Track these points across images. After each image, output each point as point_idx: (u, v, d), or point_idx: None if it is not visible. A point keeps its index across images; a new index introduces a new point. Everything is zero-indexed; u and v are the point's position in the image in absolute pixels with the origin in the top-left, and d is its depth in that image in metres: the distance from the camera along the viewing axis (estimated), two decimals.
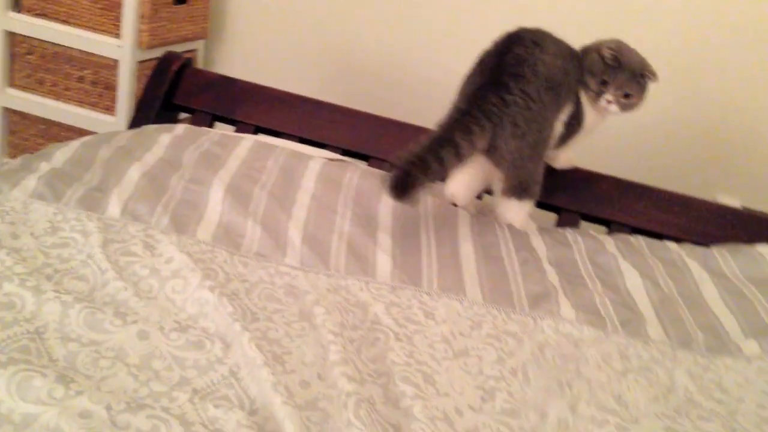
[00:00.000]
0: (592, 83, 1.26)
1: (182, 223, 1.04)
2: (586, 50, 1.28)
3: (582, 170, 1.43)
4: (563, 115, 1.26)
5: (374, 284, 0.99)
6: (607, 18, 1.82)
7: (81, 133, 1.89)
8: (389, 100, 2.01)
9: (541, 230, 1.26)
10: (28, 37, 1.90)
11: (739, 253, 1.23)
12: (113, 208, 1.03)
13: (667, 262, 1.20)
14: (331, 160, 1.35)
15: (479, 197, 1.38)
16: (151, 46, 1.86)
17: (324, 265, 1.02)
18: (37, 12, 1.89)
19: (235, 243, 1.02)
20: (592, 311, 1.02)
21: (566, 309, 1.01)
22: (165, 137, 1.28)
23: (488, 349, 0.91)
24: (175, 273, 0.91)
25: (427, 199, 1.26)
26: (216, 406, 0.71)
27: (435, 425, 0.76)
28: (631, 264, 1.16)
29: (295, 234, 1.07)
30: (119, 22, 1.83)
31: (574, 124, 1.28)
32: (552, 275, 1.10)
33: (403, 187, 1.07)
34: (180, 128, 1.34)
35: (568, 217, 1.41)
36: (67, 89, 1.93)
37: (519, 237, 1.19)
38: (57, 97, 1.94)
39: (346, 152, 1.47)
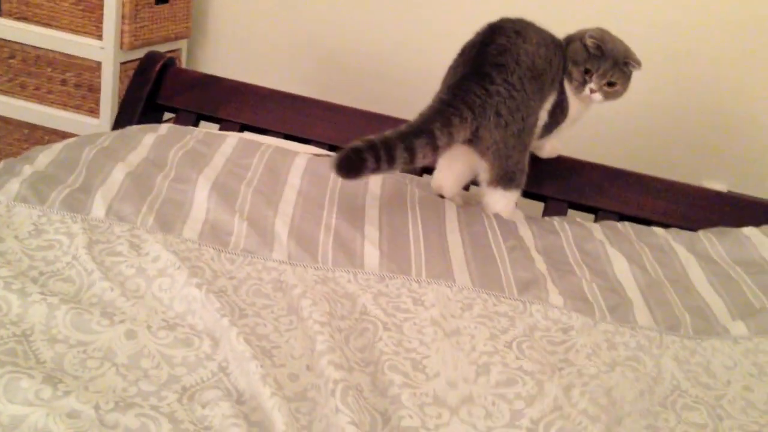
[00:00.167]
0: (576, 72, 1.26)
1: (168, 222, 1.03)
2: (569, 39, 1.28)
3: (568, 158, 1.43)
4: (547, 104, 1.26)
5: (362, 275, 0.99)
6: (598, 3, 1.83)
7: (65, 136, 1.88)
8: (373, 94, 2.00)
9: (529, 219, 1.26)
10: (9, 41, 1.89)
11: (726, 236, 1.24)
12: (98, 209, 1.03)
13: (654, 247, 1.20)
14: (317, 155, 1.35)
15: (466, 188, 1.38)
16: (133, 47, 1.86)
17: (312, 259, 1.02)
18: (18, 16, 1.88)
19: (222, 240, 1.02)
20: (580, 298, 1.03)
21: (554, 296, 1.01)
22: (149, 137, 1.27)
23: (480, 327, 0.91)
24: (162, 271, 0.91)
25: (414, 190, 1.26)
26: (205, 404, 0.71)
27: (423, 412, 0.76)
28: (618, 250, 1.17)
29: (282, 229, 1.07)
30: (101, 23, 1.82)
31: (559, 114, 1.29)
32: (540, 263, 1.10)
33: (347, 168, 1.07)
34: (164, 128, 1.34)
35: (555, 206, 1.41)
36: (50, 92, 1.92)
37: (506, 226, 1.20)
38: (40, 100, 1.93)
39: (331, 147, 1.47)
